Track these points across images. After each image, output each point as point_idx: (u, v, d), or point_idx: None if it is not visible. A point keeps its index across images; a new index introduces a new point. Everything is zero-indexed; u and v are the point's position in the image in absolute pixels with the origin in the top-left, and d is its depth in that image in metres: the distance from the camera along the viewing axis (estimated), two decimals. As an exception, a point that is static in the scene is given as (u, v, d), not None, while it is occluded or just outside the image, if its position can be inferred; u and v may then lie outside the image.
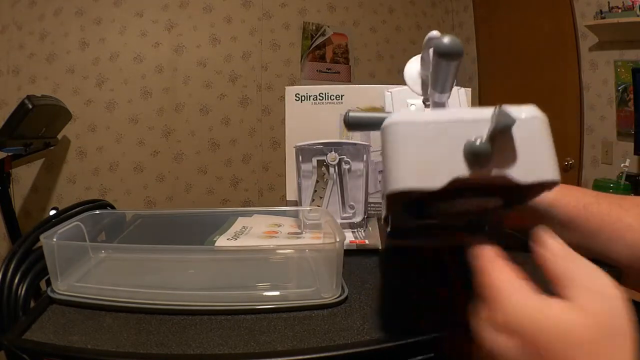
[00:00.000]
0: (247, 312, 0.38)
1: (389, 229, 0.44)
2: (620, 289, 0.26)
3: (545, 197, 0.47)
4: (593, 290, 0.25)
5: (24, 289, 0.44)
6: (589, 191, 0.48)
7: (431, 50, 0.34)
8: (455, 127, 0.28)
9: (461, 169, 0.27)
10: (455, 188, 0.28)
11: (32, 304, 0.42)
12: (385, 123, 0.30)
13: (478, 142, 0.27)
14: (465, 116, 0.28)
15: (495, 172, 0.27)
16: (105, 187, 2.30)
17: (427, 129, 0.28)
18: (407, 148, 0.28)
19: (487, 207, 0.31)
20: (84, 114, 2.23)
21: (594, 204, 0.45)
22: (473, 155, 0.27)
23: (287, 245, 0.51)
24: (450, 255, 0.44)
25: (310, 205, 0.59)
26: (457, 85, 0.40)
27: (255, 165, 2.56)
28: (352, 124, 0.38)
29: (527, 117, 0.28)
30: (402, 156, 0.28)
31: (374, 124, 0.38)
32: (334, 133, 0.64)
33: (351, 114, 0.38)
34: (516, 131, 0.27)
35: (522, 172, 0.27)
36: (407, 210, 0.34)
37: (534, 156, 0.28)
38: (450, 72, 0.31)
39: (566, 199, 0.46)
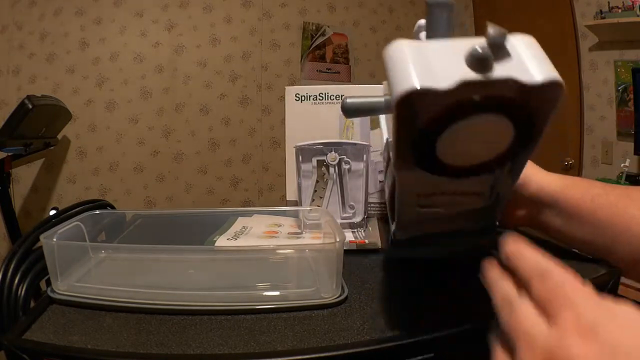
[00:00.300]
0: (247, 312, 0.38)
1: (393, 227, 0.44)
2: None
3: (550, 189, 0.46)
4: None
5: (24, 289, 0.44)
6: (596, 182, 0.46)
7: (422, 34, 0.34)
8: (456, 45, 0.29)
9: (467, 73, 0.28)
10: (463, 105, 0.29)
11: (32, 304, 0.42)
12: (388, 48, 0.31)
13: (480, 49, 0.28)
14: (461, 38, 0.30)
15: (499, 74, 0.28)
16: (105, 187, 2.30)
17: (430, 47, 0.30)
18: (413, 59, 0.29)
19: (499, 138, 0.31)
20: (84, 114, 2.24)
21: (602, 195, 0.43)
22: (476, 61, 0.28)
23: (287, 245, 0.51)
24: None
25: (310, 205, 0.59)
26: None
27: (255, 165, 2.56)
28: (349, 110, 0.38)
29: (516, 35, 0.30)
30: (409, 65, 0.29)
31: (372, 110, 0.38)
32: (334, 133, 0.64)
33: (348, 100, 0.38)
34: (511, 45, 0.29)
35: (525, 74, 0.28)
36: (414, 157, 0.33)
37: (534, 62, 0.29)
38: (444, 26, 0.33)
39: (572, 190, 0.45)
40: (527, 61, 0.29)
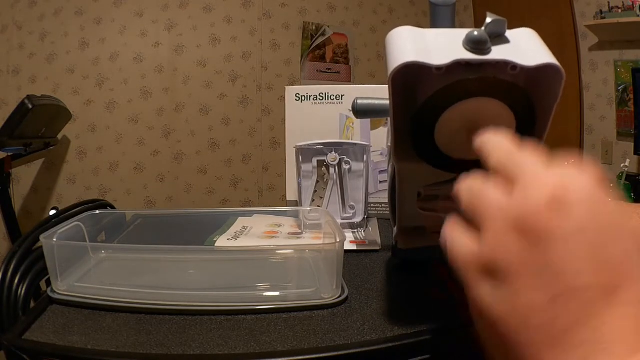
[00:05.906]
0: (247, 312, 0.38)
1: (395, 231, 0.44)
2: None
3: None
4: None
5: (24, 289, 0.44)
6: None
7: None
8: (456, 32, 0.30)
9: (462, 53, 0.28)
10: (459, 86, 0.29)
11: (32, 304, 0.42)
12: (389, 33, 0.32)
13: (476, 32, 0.28)
14: (462, 29, 0.30)
15: (495, 56, 0.28)
16: (105, 187, 2.30)
17: (430, 32, 0.31)
18: (412, 40, 0.30)
19: (497, 119, 0.31)
20: (84, 114, 2.23)
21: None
22: (473, 43, 0.28)
23: (287, 246, 0.51)
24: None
25: (311, 205, 0.59)
26: None
27: (255, 165, 2.56)
28: (360, 111, 0.39)
29: (519, 29, 0.31)
30: (405, 45, 0.29)
31: (383, 111, 0.38)
32: (334, 133, 0.64)
33: (359, 101, 0.39)
34: (511, 34, 0.30)
35: (521, 58, 0.28)
36: (414, 144, 0.32)
37: (531, 48, 0.29)
38: (447, 25, 0.34)
39: None
40: (524, 47, 0.29)
